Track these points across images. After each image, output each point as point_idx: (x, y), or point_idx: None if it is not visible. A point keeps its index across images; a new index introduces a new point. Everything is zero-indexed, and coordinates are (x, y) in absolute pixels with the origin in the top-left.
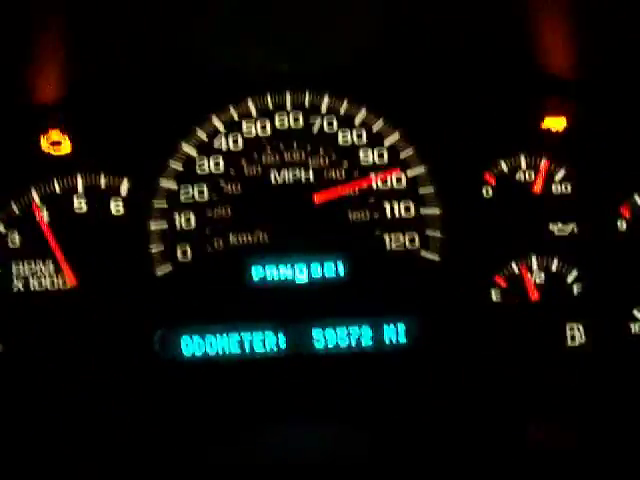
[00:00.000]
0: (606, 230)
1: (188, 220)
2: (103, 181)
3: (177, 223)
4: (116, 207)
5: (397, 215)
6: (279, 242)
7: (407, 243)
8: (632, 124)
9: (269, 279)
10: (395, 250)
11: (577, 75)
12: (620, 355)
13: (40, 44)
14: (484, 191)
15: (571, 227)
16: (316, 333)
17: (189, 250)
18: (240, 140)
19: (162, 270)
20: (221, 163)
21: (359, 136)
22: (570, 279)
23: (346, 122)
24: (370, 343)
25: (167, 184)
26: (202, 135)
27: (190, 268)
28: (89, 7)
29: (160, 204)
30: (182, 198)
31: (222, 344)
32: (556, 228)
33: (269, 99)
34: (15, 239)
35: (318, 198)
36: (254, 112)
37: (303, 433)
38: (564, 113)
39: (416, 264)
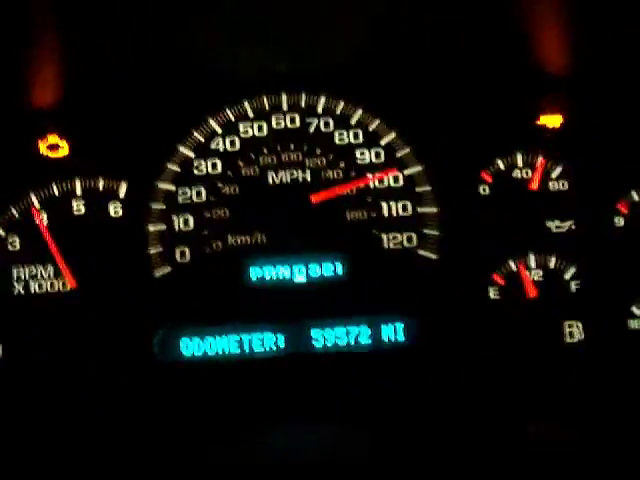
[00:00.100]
0: (603, 227)
1: (186, 221)
2: (101, 184)
3: (175, 225)
4: (114, 209)
5: (394, 214)
6: (277, 242)
7: (405, 242)
8: (628, 121)
9: (267, 279)
10: (393, 249)
11: (573, 72)
12: (618, 352)
13: (37, 47)
14: (481, 189)
15: (568, 224)
16: (315, 333)
17: (187, 251)
18: (237, 141)
19: (161, 271)
20: (218, 164)
21: (355, 136)
22: (568, 276)
23: (342, 122)
24: (369, 342)
25: (165, 186)
26: (199, 137)
27: (189, 269)
28: (85, 10)
29: (158, 206)
30: (180, 200)
31: (221, 345)
32: (553, 225)
33: (265, 100)
34: (15, 242)
35: (315, 198)
36: (251, 113)
37: (303, 433)
38: (560, 110)
39: (414, 263)
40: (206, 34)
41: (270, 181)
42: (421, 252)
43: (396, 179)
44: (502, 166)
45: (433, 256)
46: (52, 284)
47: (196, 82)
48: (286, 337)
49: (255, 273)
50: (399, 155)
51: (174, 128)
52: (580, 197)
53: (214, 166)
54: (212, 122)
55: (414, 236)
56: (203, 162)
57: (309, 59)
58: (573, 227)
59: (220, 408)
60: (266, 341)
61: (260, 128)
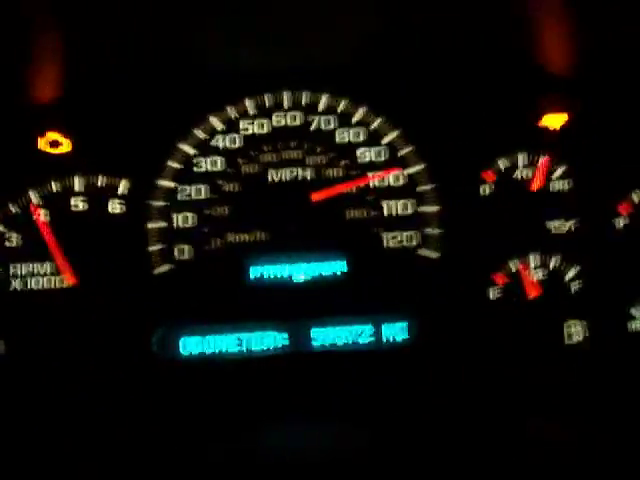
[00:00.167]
0: (605, 227)
1: (186, 219)
2: (101, 181)
3: (175, 222)
4: (115, 206)
5: (396, 213)
6: (277, 241)
7: (405, 241)
8: (631, 121)
9: (267, 278)
10: (394, 248)
11: (576, 72)
12: (619, 352)
13: (38, 44)
14: (483, 189)
15: (570, 224)
16: (315, 331)
17: (188, 249)
18: (238, 139)
19: (161, 269)
20: (219, 162)
21: (357, 134)
22: (569, 276)
23: (344, 120)
24: (369, 341)
25: (165, 183)
26: (200, 134)
27: (189, 267)
28: (85, 8)
29: (158, 203)
30: (180, 197)
31: (221, 343)
32: (555, 226)
33: (267, 98)
34: (14, 239)
35: (316, 196)
36: (252, 111)
37: (302, 432)
38: (563, 110)
39: (415, 262)
40: (207, 32)
41: (271, 179)
42: (422, 251)
43: (397, 178)
44: (504, 166)
45: (434, 255)
46: (52, 281)
47: (197, 79)
48: (286, 336)
49: (255, 271)
50: (401, 154)
51: (175, 125)
52: (582, 198)
53: (215, 163)
54: (213, 119)
55: (415, 235)
56: (204, 159)
57: (311, 57)
58: (574, 227)
59: (220, 407)
60: (266, 340)
61: (261, 126)
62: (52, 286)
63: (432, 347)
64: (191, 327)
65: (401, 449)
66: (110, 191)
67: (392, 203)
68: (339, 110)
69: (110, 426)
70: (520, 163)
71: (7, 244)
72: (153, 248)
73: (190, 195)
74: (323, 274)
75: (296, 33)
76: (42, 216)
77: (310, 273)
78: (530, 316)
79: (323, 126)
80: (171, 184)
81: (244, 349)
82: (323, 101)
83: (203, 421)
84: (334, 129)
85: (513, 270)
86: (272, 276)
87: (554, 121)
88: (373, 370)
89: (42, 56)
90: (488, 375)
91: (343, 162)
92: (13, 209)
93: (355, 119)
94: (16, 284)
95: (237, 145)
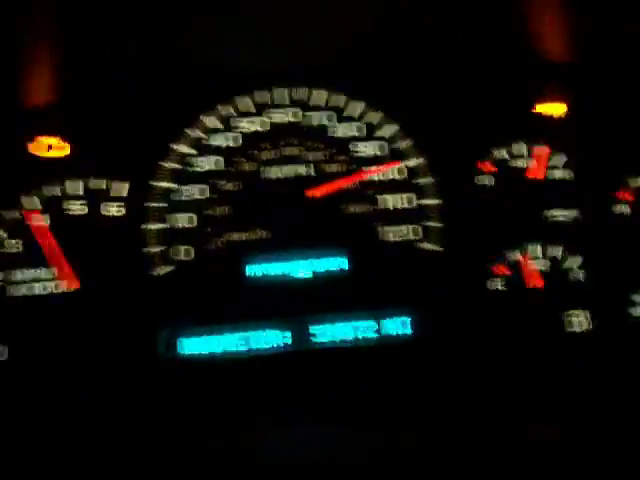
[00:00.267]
0: (606, 215)
1: (185, 219)
2: (100, 183)
3: (175, 223)
4: (115, 209)
5: (396, 207)
6: (277, 238)
7: (407, 235)
8: (630, 108)
9: (269, 276)
10: (394, 242)
11: (575, 60)
12: (622, 341)
13: (33, 47)
14: (482, 180)
15: (571, 213)
16: (316, 328)
17: (187, 249)
18: (235, 137)
19: (161, 270)
20: (216, 161)
21: (354, 129)
22: (571, 266)
23: (341, 116)
24: (372, 336)
25: (164, 184)
26: (198, 133)
27: (190, 267)
28: (81, 10)
29: (157, 204)
30: (178, 197)
31: (223, 343)
32: (557, 215)
33: (263, 95)
34: (15, 244)
35: (315, 192)
36: (251, 108)
37: (305, 430)
38: (562, 99)
39: (416, 255)
40: (203, 27)
41: (269, 176)
42: (423, 245)
43: (397, 172)
44: (505, 156)
45: (436, 248)
46: (54, 285)
47: (195, 77)
48: (288, 334)
49: (255, 270)
50: (399, 148)
51: (172, 125)
52: (583, 186)
53: (212, 163)
54: (212, 118)
55: (416, 229)
56: (201, 159)
57: (307, 53)
58: (575, 216)
59: (223, 406)
60: (269, 338)
61: (258, 123)
62: (52, 291)
63: (434, 341)
64: (193, 327)
65: (405, 443)
66: (108, 194)
67: (392, 197)
68: (336, 105)
69: (114, 427)
70: (519, 153)
71: (9, 250)
72: (152, 250)
73: (188, 195)
74: (325, 270)
75: (291, 31)
76: (40, 221)
77: (311, 270)
78: (532, 307)
79: (320, 122)
80: (169, 185)
81: (246, 348)
82: (319, 97)
83: (206, 421)
84: (331, 125)
85: (515, 260)
86: (272, 274)
87: (552, 110)
88: (376, 365)
89: (38, 59)
90: (490, 367)
91: (341, 157)
92: (13, 214)
93: (352, 114)
94: (17, 290)
95: (234, 143)
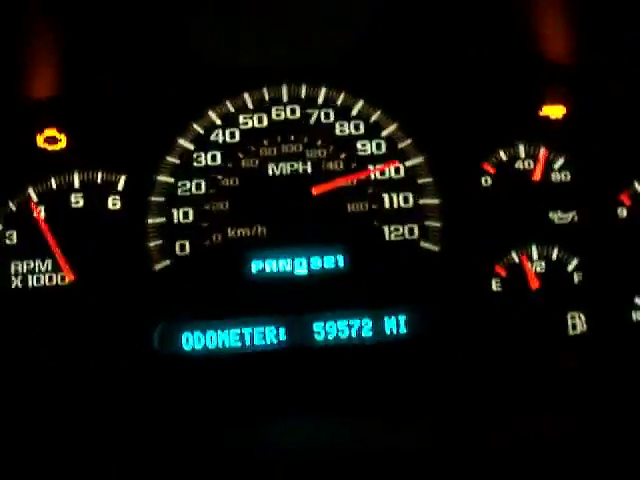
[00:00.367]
0: (606, 218)
1: (186, 214)
2: (100, 176)
3: (175, 217)
4: (113, 202)
5: (396, 206)
6: (278, 235)
7: (406, 234)
8: (631, 112)
9: (268, 272)
10: (394, 241)
11: (576, 62)
12: (621, 343)
13: (35, 41)
14: (483, 180)
15: (571, 215)
16: (316, 325)
17: (187, 244)
18: (237, 133)
19: (160, 265)
20: (218, 156)
21: (356, 127)
22: (570, 267)
23: (343, 113)
24: (371, 334)
25: (164, 178)
26: (199, 129)
27: (189, 262)
28: (83, 4)
29: (157, 199)
30: (179, 192)
31: (222, 338)
32: (556, 216)
33: (266, 92)
34: (13, 236)
35: (316, 190)
36: (251, 105)
37: (304, 426)
38: (563, 101)
39: (416, 254)
40: (206, 26)
41: (270, 173)
42: (423, 244)
43: (397, 171)
44: (504, 157)
45: (435, 248)
46: (51, 278)
47: (195, 74)
48: (287, 330)
49: (256, 266)
50: (400, 146)
51: (173, 120)
52: (583, 188)
53: (214, 158)
54: (212, 114)
55: (416, 228)
56: (203, 154)
57: (307, 51)
58: (576, 218)
59: (221, 402)
60: (267, 334)
61: (260, 119)
62: (52, 283)
63: (435, 340)
64: (192, 322)
65: (404, 441)
66: (109, 187)
67: (392, 196)
68: (338, 103)
69: (111, 422)
70: (520, 154)
71: (6, 242)
72: (152, 244)
73: (189, 190)
74: (324, 268)
75: (291, 30)
76: (41, 213)
77: (311, 267)
78: (532, 307)
79: (322, 119)
80: (170, 179)
81: (245, 344)
82: (321, 94)
83: (205, 416)
84: (333, 122)
85: (515, 261)
86: (273, 270)
87: (555, 111)
88: (375, 363)
89: (40, 52)
90: (491, 367)
91: (343, 155)
92: (12, 206)
93: (354, 112)
94: (16, 281)
95: (236, 139)
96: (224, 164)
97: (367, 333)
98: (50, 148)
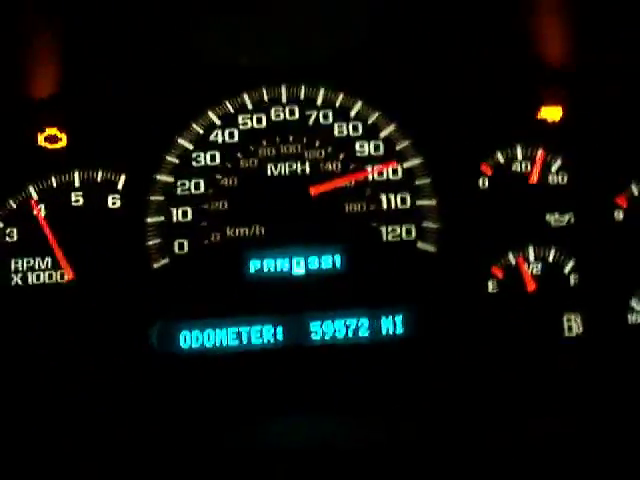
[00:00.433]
0: (603, 220)
1: (185, 213)
2: (100, 175)
3: (174, 216)
4: (113, 201)
5: (393, 207)
6: (276, 235)
7: (404, 235)
8: (628, 114)
9: (266, 272)
10: (392, 242)
11: (573, 65)
12: (618, 345)
13: (37, 40)
14: (480, 182)
15: (568, 217)
16: (313, 325)
17: (186, 243)
18: (236, 133)
19: (159, 263)
20: (217, 156)
21: (355, 128)
22: (567, 269)
23: (342, 114)
24: (367, 334)
25: (163, 178)
26: (198, 129)
27: (187, 261)
28: (85, 4)
29: (157, 198)
30: (178, 192)
31: (220, 337)
32: (553, 218)
33: (265, 92)
34: (13, 234)
35: (314, 190)
36: (250, 105)
37: (301, 425)
38: (560, 103)
39: (413, 255)
40: (205, 27)
41: (269, 173)
42: (420, 245)
43: (395, 172)
44: (502, 159)
45: (432, 249)
46: (50, 275)
47: (195, 74)
48: (285, 329)
49: (254, 265)
50: (398, 148)
51: (173, 120)
52: (580, 190)
53: (213, 158)
54: (211, 114)
55: (413, 229)
56: (202, 154)
57: (309, 51)
58: (572, 220)
59: (218, 401)
60: (265, 334)
61: (259, 120)
62: (51, 281)
63: (431, 340)
64: (190, 321)
65: (400, 441)
66: (109, 186)
67: (390, 197)
68: (336, 104)
69: (109, 420)
70: (517, 156)
71: (7, 239)
72: (151, 242)
73: (188, 189)
74: (322, 268)
75: (291, 31)
76: (41, 211)
77: (309, 267)
78: (529, 309)
79: (321, 120)
80: (169, 179)
81: (243, 343)
82: (320, 95)
83: (202, 415)
84: (332, 123)
85: (512, 263)
86: (271, 270)
87: (552, 113)
88: (371, 364)
89: (41, 50)
90: (487, 368)
91: (341, 156)
92: (12, 204)
93: (352, 113)
94: (15, 279)
95: (235, 139)
96: (223, 164)
97: (364, 333)
98: (50, 147)
